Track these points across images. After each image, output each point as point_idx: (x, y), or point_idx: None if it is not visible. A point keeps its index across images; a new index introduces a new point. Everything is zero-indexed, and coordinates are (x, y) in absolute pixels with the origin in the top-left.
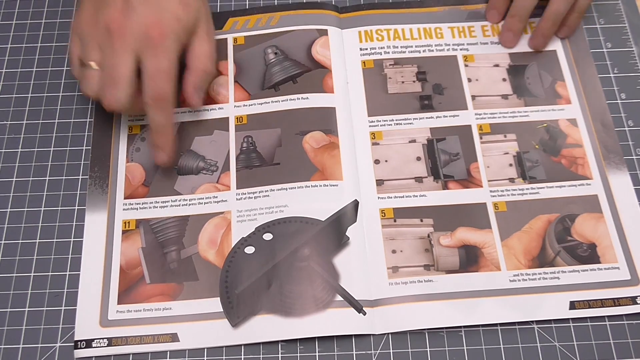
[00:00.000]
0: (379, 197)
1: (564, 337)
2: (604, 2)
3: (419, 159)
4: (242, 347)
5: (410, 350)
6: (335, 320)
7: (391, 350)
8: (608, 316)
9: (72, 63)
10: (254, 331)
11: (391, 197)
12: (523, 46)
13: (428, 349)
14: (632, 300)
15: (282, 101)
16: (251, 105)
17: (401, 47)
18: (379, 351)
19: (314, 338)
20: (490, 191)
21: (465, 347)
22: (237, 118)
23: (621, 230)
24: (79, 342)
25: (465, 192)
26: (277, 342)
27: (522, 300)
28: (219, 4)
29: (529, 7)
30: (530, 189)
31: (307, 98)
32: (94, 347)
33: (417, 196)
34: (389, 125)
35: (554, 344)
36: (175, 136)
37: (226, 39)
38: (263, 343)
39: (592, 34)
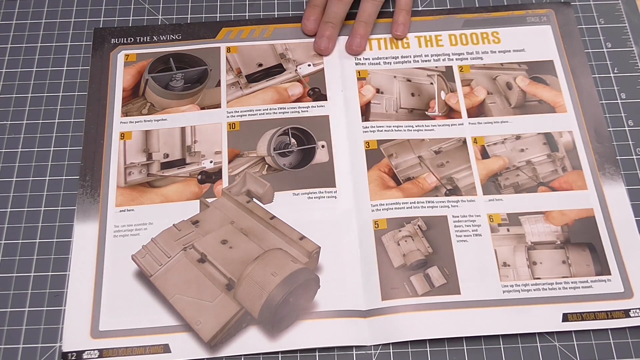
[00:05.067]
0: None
1: (564, 338)
2: (604, 2)
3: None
4: (242, 357)
5: (410, 350)
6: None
7: (391, 351)
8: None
9: None
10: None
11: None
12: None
13: (428, 349)
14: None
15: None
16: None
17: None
18: (379, 351)
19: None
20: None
21: (465, 347)
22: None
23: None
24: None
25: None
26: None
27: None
28: (218, 5)
29: (342, 13)
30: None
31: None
32: (85, 359)
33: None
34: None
35: (554, 343)
36: None
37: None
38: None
39: (592, 34)
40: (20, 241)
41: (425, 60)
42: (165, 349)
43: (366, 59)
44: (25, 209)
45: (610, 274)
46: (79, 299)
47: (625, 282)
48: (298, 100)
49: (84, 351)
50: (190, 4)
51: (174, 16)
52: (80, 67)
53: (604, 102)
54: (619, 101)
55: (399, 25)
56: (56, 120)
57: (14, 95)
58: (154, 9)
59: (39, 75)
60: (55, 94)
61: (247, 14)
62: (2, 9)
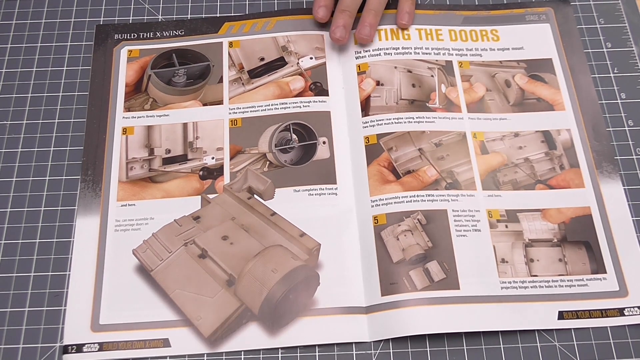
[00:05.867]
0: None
1: (564, 337)
2: (604, 2)
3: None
4: (242, 352)
5: (410, 350)
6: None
7: (391, 350)
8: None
9: None
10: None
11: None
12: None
13: (428, 349)
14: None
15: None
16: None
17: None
18: (379, 351)
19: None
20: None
21: (465, 347)
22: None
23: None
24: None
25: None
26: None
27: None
28: (218, 4)
29: (358, 2)
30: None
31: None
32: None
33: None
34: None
35: (554, 343)
36: None
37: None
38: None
39: (592, 33)
40: (20, 241)
41: (426, 53)
42: (165, 343)
43: (366, 51)
44: (25, 209)
45: (605, 273)
46: (80, 292)
47: (620, 281)
48: (300, 94)
49: (84, 344)
50: (190, 4)
51: (174, 16)
52: (80, 67)
53: (603, 102)
54: (618, 101)
55: (404, 14)
56: (56, 120)
57: (14, 95)
58: (154, 9)
59: (39, 75)
60: (55, 94)
61: (247, 13)
62: (2, 9)
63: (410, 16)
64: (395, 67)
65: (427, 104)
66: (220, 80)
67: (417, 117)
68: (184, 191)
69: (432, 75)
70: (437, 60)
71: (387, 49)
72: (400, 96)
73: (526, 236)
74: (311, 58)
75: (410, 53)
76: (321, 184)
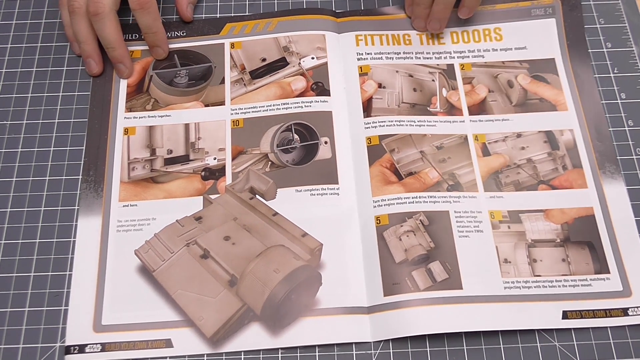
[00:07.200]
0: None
1: (564, 337)
2: (604, 2)
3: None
4: (243, 353)
5: (410, 350)
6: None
7: (391, 350)
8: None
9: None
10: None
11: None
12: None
13: (428, 349)
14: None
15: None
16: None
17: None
18: (379, 351)
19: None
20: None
21: (465, 347)
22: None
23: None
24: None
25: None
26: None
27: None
28: (218, 4)
29: None
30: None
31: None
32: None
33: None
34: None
35: (554, 344)
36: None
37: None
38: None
39: (592, 33)
40: (20, 241)
41: (427, 58)
42: (168, 343)
43: (368, 54)
44: (25, 209)
45: (609, 273)
46: (82, 293)
47: (623, 281)
48: (301, 94)
49: (86, 345)
50: None
51: (173, 16)
52: (80, 67)
53: (604, 102)
54: (619, 101)
55: (464, 8)
56: (56, 120)
57: (14, 95)
58: None
59: (39, 75)
60: (55, 94)
61: (248, 14)
62: (2, 9)
63: (470, 10)
64: (397, 71)
65: (428, 108)
66: (222, 82)
67: (418, 121)
68: (185, 192)
69: (433, 80)
70: (438, 65)
71: (388, 53)
72: (402, 99)
73: (529, 237)
74: (313, 58)
75: (412, 57)
76: (323, 184)
